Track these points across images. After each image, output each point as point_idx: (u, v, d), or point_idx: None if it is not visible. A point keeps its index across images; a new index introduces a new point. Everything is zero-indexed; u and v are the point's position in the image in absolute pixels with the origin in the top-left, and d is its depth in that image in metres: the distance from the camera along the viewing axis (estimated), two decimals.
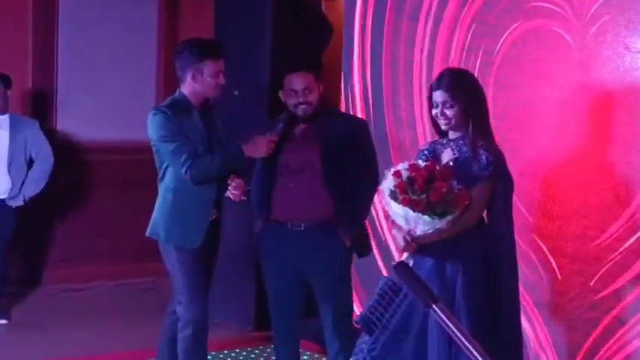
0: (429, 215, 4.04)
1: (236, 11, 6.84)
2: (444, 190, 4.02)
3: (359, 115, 6.23)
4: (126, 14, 8.12)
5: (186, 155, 4.78)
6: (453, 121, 4.22)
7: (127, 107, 7.90)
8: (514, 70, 5.25)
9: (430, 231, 4.10)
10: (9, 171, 6.92)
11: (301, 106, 4.91)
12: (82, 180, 8.03)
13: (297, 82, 4.92)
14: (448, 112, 4.21)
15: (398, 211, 4.10)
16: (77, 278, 7.82)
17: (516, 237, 5.05)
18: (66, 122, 7.95)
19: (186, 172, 4.77)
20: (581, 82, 4.94)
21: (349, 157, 4.90)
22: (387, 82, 6.10)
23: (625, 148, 4.76)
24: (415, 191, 4.04)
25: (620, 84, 4.77)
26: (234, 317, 6.72)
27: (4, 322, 6.95)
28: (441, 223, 4.07)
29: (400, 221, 4.15)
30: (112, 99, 7.99)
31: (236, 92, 6.58)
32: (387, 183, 4.12)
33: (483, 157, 4.15)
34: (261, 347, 6.35)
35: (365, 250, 5.13)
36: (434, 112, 4.26)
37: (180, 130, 4.82)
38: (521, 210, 5.20)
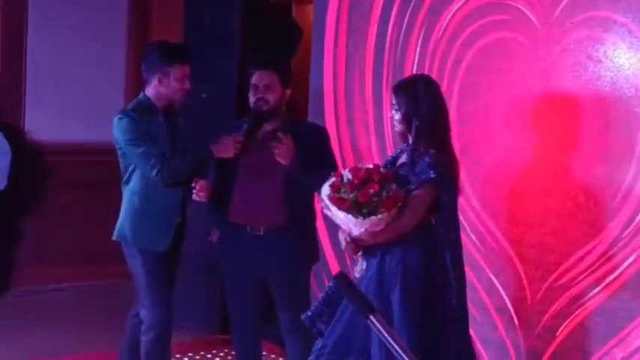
0: (352, 214, 4.07)
1: (205, 14, 6.84)
2: (372, 191, 4.05)
3: (328, 119, 6.25)
4: (95, 16, 8.07)
5: (155, 158, 4.79)
6: (398, 124, 4.28)
7: (95, 109, 7.86)
8: (479, 78, 5.27)
9: (362, 231, 4.13)
10: None
11: (259, 103, 4.93)
12: (48, 181, 7.99)
13: (260, 78, 4.95)
14: (396, 116, 4.28)
15: (333, 210, 4.14)
16: (42, 280, 7.79)
17: (480, 243, 5.13)
18: (34, 123, 7.91)
19: (156, 174, 4.78)
20: (544, 90, 4.97)
21: (313, 161, 4.90)
22: (356, 87, 6.10)
23: (585, 156, 4.80)
24: (346, 190, 4.07)
25: (582, 93, 4.80)
26: (199, 320, 6.72)
27: None
28: (366, 224, 4.09)
29: (338, 221, 4.20)
30: (81, 101, 7.95)
31: (204, 95, 6.60)
32: (327, 183, 4.17)
33: (425, 161, 4.17)
34: (225, 350, 6.37)
35: (315, 255, 5.18)
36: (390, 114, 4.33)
37: (147, 133, 4.83)
38: (486, 216, 5.25)
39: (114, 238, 4.99)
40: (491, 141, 5.23)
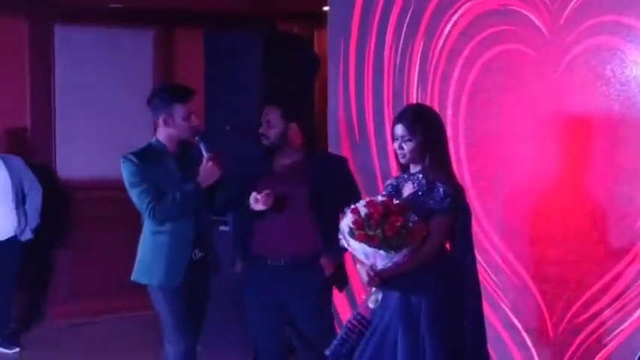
0: (384, 249, 4.13)
1: (225, 47, 6.93)
2: (398, 224, 4.11)
3: (344, 143, 6.34)
4: (121, 52, 8.27)
5: (149, 198, 4.90)
6: (409, 155, 4.33)
7: (125, 144, 7.97)
8: (489, 99, 5.33)
9: (389, 265, 4.20)
10: (15, 208, 7.17)
11: (261, 137, 5.08)
12: (81, 216, 8.15)
13: (265, 113, 5.11)
14: (405, 146, 4.32)
15: (356, 247, 4.20)
16: (80, 313, 7.96)
17: (501, 262, 5.17)
18: (64, 160, 8.10)
19: (149, 214, 4.90)
20: (556, 110, 5.02)
21: (335, 192, 4.97)
22: (369, 111, 6.18)
23: (600, 174, 4.84)
24: (371, 226, 4.13)
25: (594, 112, 4.85)
26: (235, 350, 6.78)
27: (16, 350, 7.24)
28: (397, 257, 4.16)
29: (360, 256, 4.25)
30: (109, 136, 8.10)
31: (227, 127, 6.70)
32: (346, 220, 4.22)
33: (440, 190, 4.25)
34: None
35: (344, 282, 5.22)
36: (394, 145, 4.38)
37: (147, 175, 4.94)
38: (503, 237, 5.29)
39: (132, 278, 5.09)
40: (506, 162, 5.28)
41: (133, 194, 4.97)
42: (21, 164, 7.29)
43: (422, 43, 5.69)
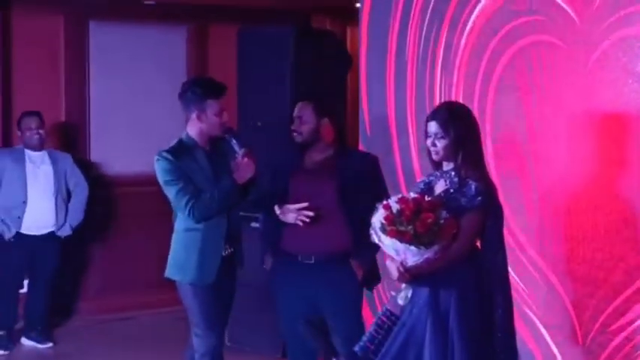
0: (415, 245, 4.14)
1: (258, 43, 6.95)
2: (430, 220, 4.12)
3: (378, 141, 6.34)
4: (155, 48, 8.32)
5: (187, 197, 4.90)
6: (442, 152, 4.32)
7: (159, 140, 8.03)
8: (521, 97, 5.31)
9: (420, 261, 4.20)
10: (56, 204, 7.23)
11: (293, 133, 5.06)
12: (115, 211, 8.24)
13: (297, 109, 5.10)
14: (438, 144, 4.32)
15: (387, 242, 4.21)
16: (112, 309, 8.02)
17: (527, 262, 5.15)
18: (99, 155, 8.18)
19: (188, 213, 4.90)
20: (587, 107, 4.99)
21: (364, 191, 4.97)
22: (411, 109, 6.16)
23: (631, 171, 4.81)
24: (402, 222, 4.13)
25: (625, 108, 4.82)
26: (263, 345, 6.82)
27: (49, 345, 7.32)
28: (428, 253, 4.17)
29: (391, 252, 4.26)
30: (144, 133, 8.14)
31: (259, 123, 6.72)
32: (378, 216, 4.22)
33: (472, 187, 4.24)
34: None
35: (374, 282, 5.22)
36: (427, 142, 4.37)
37: (183, 172, 4.94)
38: (533, 235, 5.27)
39: (165, 275, 5.12)
40: (540, 160, 5.25)
41: (170, 192, 4.98)
42: (69, 161, 7.38)
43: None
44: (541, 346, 5.26)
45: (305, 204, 4.93)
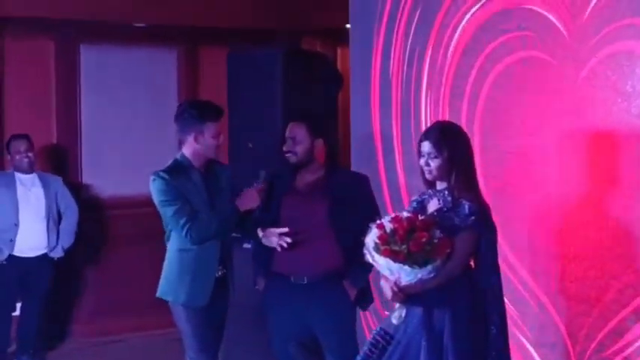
0: (409, 265, 4.14)
1: (248, 64, 6.96)
2: (424, 239, 4.13)
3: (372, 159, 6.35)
4: (146, 71, 8.34)
5: (185, 218, 4.91)
6: (435, 172, 4.34)
7: (150, 162, 8.03)
8: (511, 115, 5.32)
9: (414, 281, 4.20)
10: (47, 226, 7.23)
11: (287, 154, 5.05)
12: (107, 233, 8.23)
13: (290, 130, 5.09)
14: (432, 163, 4.34)
15: (381, 262, 4.22)
16: (105, 331, 8.00)
17: (517, 281, 5.15)
18: (91, 177, 8.18)
19: (186, 235, 4.91)
20: (578, 124, 5.00)
21: (355, 211, 4.98)
22: (397, 128, 6.18)
23: (621, 189, 4.81)
24: (396, 242, 4.14)
25: (615, 126, 4.83)
26: None
27: None
28: (422, 272, 4.18)
29: (385, 272, 4.27)
30: (135, 155, 8.17)
31: (250, 144, 6.72)
32: (371, 236, 4.23)
33: (466, 207, 4.26)
34: None
35: (367, 303, 5.22)
36: (420, 162, 4.38)
37: (179, 193, 4.95)
38: (524, 253, 5.28)
39: (157, 295, 5.11)
40: (528, 178, 5.27)
41: (166, 213, 4.98)
42: (59, 183, 7.40)
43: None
44: None
45: (286, 229, 4.92)
